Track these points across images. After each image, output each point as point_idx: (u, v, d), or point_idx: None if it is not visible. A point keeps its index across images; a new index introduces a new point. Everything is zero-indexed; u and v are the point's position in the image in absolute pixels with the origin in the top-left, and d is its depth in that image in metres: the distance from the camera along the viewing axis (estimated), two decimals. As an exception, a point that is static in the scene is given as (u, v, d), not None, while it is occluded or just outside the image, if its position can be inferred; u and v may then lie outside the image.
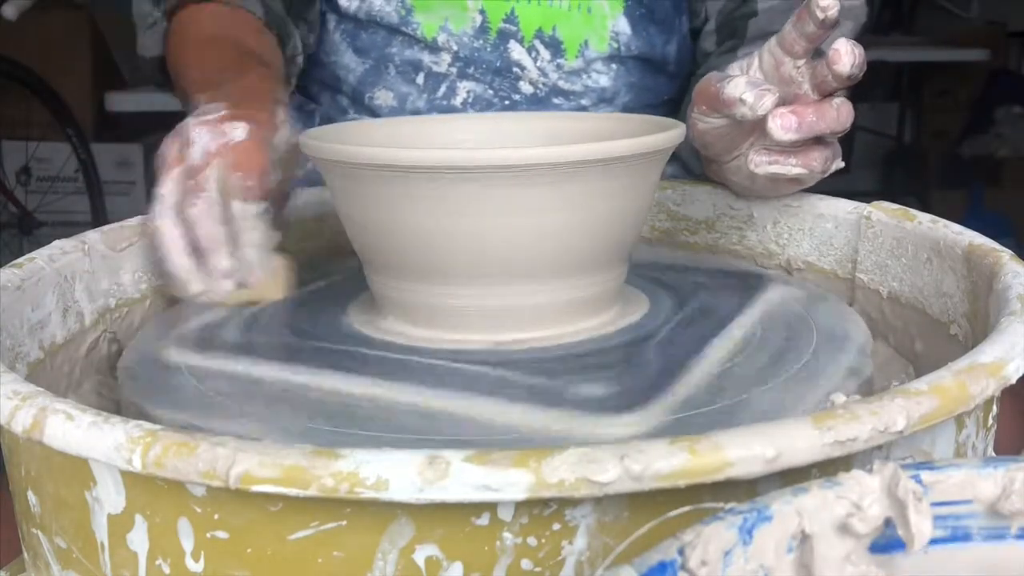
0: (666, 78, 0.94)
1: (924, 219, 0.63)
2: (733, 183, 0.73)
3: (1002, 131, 3.22)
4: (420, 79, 0.91)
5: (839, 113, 0.60)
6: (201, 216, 0.60)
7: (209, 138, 0.62)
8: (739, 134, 0.65)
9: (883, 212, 0.67)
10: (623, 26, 0.89)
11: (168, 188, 0.61)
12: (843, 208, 0.69)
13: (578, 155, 0.52)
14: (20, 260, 0.59)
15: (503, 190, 0.52)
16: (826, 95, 0.60)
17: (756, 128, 0.62)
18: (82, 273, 0.62)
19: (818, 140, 0.61)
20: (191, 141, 0.61)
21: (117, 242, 0.65)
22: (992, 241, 0.58)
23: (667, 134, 0.56)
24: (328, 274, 0.71)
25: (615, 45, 0.89)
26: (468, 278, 0.55)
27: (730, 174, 0.71)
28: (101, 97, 2.81)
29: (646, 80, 0.92)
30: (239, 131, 0.62)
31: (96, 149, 2.81)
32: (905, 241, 0.64)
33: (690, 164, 0.87)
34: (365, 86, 0.92)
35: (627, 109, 0.91)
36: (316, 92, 0.98)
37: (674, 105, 0.98)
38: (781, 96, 0.59)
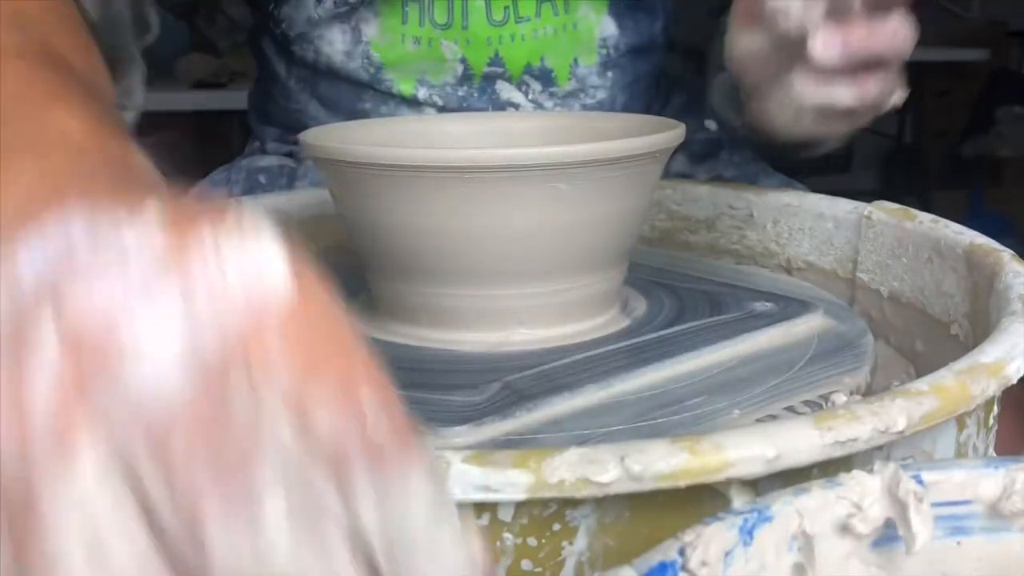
0: (659, 55, 0.91)
1: (925, 219, 0.63)
2: (778, 124, 0.62)
3: (1002, 131, 3.22)
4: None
5: (896, 33, 0.52)
6: None
7: (185, 317, 0.20)
8: (784, 57, 0.56)
9: (883, 212, 0.67)
10: (609, 28, 0.85)
11: None
12: (843, 208, 0.69)
13: (578, 155, 0.52)
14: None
15: (503, 190, 0.52)
16: (881, 10, 0.52)
17: (803, 50, 0.53)
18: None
19: (875, 65, 0.54)
20: (117, 350, 0.21)
21: None
22: (993, 241, 0.58)
23: (667, 134, 0.56)
24: (328, 274, 0.71)
25: (604, 51, 0.85)
26: (467, 278, 0.55)
27: (774, 111, 0.60)
28: (101, 97, 2.82)
29: (640, 69, 0.89)
30: (275, 263, 0.24)
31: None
32: (906, 241, 0.64)
33: (724, 115, 0.77)
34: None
35: (626, 108, 0.89)
36: (280, 133, 0.91)
37: (663, 55, 0.94)
38: (832, 9, 0.51)
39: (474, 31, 0.82)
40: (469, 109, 0.85)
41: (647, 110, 0.90)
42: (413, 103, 0.84)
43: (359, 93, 0.85)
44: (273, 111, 0.92)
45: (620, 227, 0.57)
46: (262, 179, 0.91)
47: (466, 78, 0.84)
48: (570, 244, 0.55)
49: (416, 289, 0.57)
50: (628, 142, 0.54)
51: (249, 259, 0.23)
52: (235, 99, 2.65)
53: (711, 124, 0.95)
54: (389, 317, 0.59)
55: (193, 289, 0.21)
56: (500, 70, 0.84)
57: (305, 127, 0.87)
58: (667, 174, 0.64)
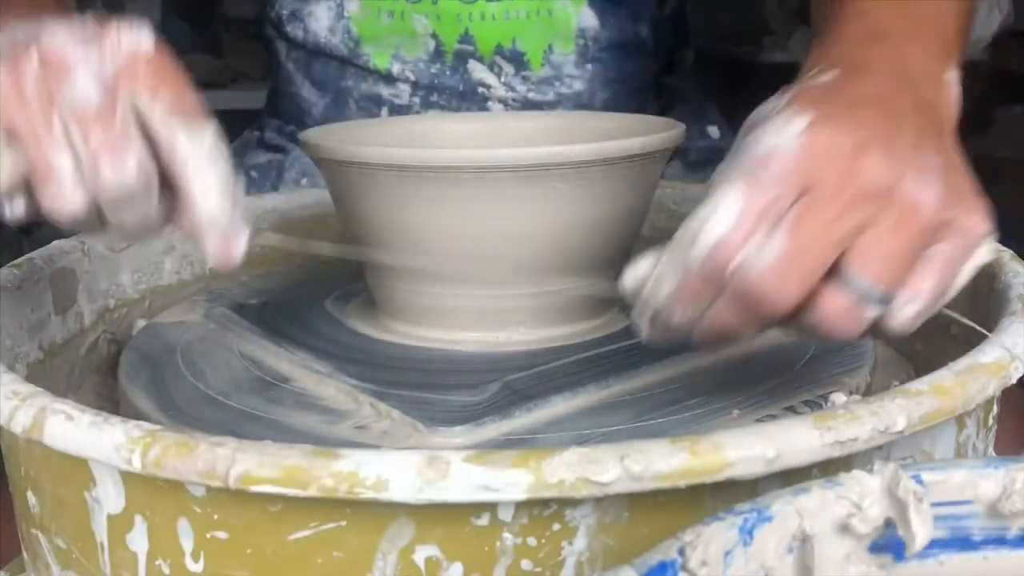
0: (646, 57, 0.90)
1: (924, 219, 0.63)
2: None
3: (1002, 131, 3.21)
4: (384, 113, 0.87)
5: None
6: (138, 186, 0.42)
7: (98, 56, 0.41)
8: None
9: (883, 212, 0.66)
10: (588, 19, 0.85)
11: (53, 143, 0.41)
12: (843, 208, 0.69)
13: (578, 155, 0.52)
14: (20, 260, 0.59)
15: (503, 190, 0.52)
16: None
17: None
18: (81, 273, 0.62)
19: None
20: (67, 66, 0.41)
21: (116, 243, 0.65)
22: (992, 241, 0.58)
23: (667, 134, 0.56)
24: (328, 274, 0.71)
25: (582, 42, 0.85)
26: (469, 279, 0.55)
27: None
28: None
29: (625, 68, 0.88)
30: (144, 36, 0.42)
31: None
32: (905, 241, 0.64)
33: None
34: (328, 121, 0.86)
35: (607, 107, 0.88)
36: (285, 121, 0.94)
37: (657, 87, 0.95)
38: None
39: (443, 6, 0.84)
40: (441, 87, 0.86)
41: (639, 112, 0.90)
42: (388, 79, 0.86)
43: (342, 70, 0.87)
44: (277, 100, 0.95)
45: (620, 227, 0.57)
46: (253, 174, 0.94)
47: (438, 55, 0.85)
48: (570, 244, 0.55)
49: (416, 289, 0.57)
50: (628, 142, 0.54)
51: (134, 38, 0.42)
52: (235, 99, 2.65)
53: (713, 131, 0.95)
54: (389, 317, 0.59)
55: (104, 46, 0.42)
56: (471, 48, 0.85)
57: (300, 109, 0.89)
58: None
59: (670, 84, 1.00)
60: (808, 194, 0.39)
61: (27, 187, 0.42)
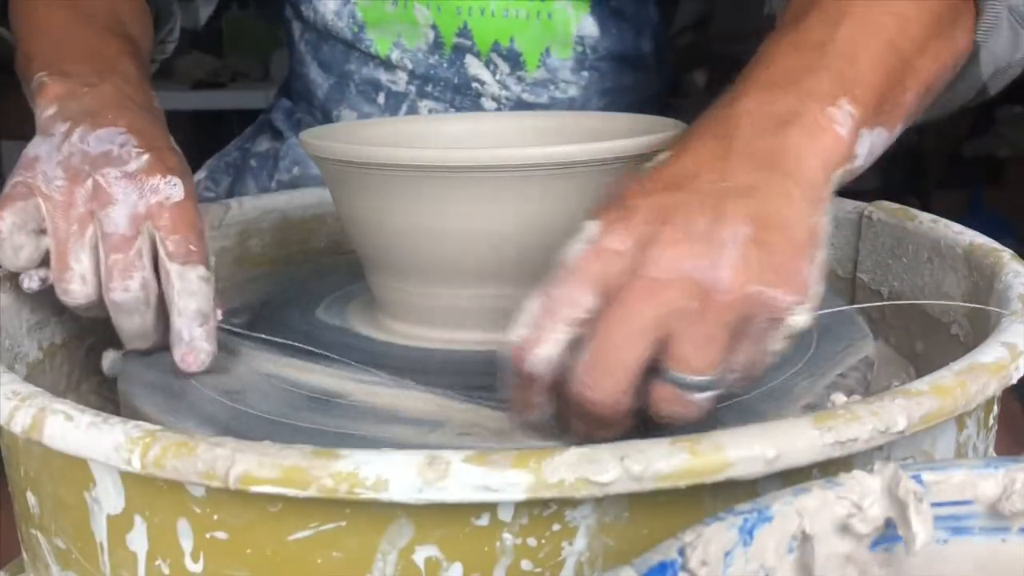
0: (646, 73, 0.90)
1: (925, 218, 0.63)
2: None
3: (1002, 131, 3.21)
4: (380, 99, 0.88)
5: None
6: (137, 304, 0.52)
7: (137, 196, 0.52)
8: None
9: (883, 211, 0.67)
10: (589, 27, 0.85)
11: (82, 260, 0.52)
12: (843, 207, 0.69)
13: (578, 155, 0.52)
14: (20, 260, 0.59)
15: (503, 190, 0.52)
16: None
17: None
18: (82, 273, 0.62)
19: None
20: (112, 199, 0.52)
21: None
22: (993, 241, 0.58)
23: (667, 134, 0.56)
24: (328, 274, 0.71)
25: (580, 49, 0.85)
26: (467, 278, 0.55)
27: None
28: (101, 97, 2.81)
29: (623, 80, 0.88)
30: (176, 189, 0.53)
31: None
32: (905, 241, 0.64)
33: None
34: (331, 103, 0.90)
35: None
36: (295, 103, 0.95)
37: (660, 102, 0.95)
38: None
39: None
40: (437, 79, 0.86)
41: None
42: (388, 65, 0.87)
43: (347, 54, 0.88)
44: (290, 80, 0.95)
45: (620, 227, 0.57)
46: (253, 163, 0.95)
47: (437, 46, 0.86)
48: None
49: (416, 289, 0.57)
50: (628, 142, 0.53)
51: (168, 189, 0.53)
52: (235, 99, 2.65)
53: None
54: (389, 317, 0.59)
55: (144, 188, 0.52)
56: (468, 43, 0.85)
57: (308, 91, 0.90)
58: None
59: (677, 106, 1.00)
60: (609, 299, 0.41)
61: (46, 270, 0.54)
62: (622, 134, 0.55)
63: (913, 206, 0.66)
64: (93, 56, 0.61)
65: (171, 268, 0.52)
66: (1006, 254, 0.55)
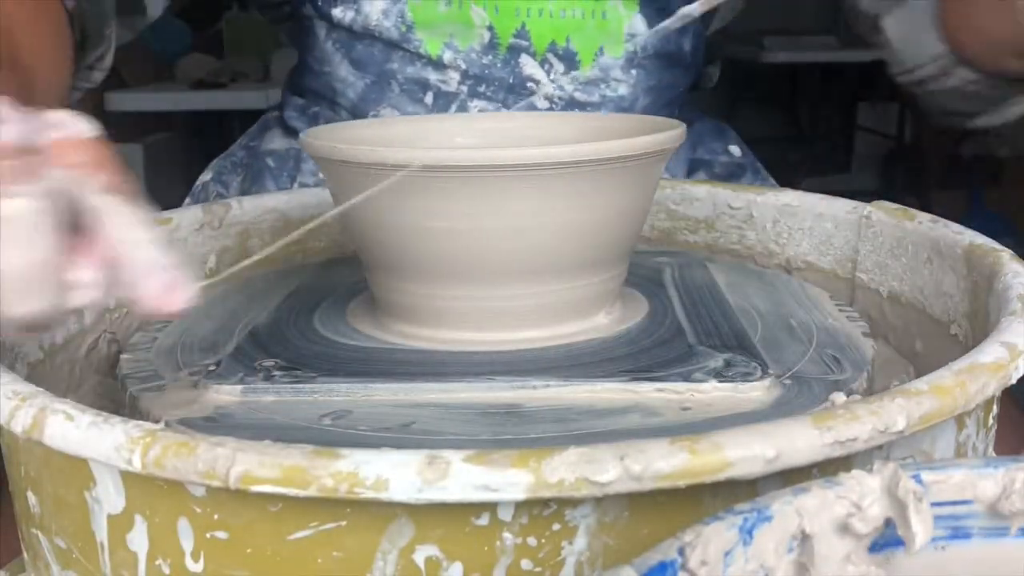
0: (682, 70, 0.92)
1: (924, 219, 0.63)
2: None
3: (1002, 131, 3.21)
4: (428, 98, 0.88)
5: None
6: (32, 218, 0.37)
7: (34, 128, 0.38)
8: None
9: (883, 212, 0.67)
10: (638, 26, 0.87)
11: None
12: (843, 208, 0.69)
13: (577, 155, 0.52)
14: (20, 260, 0.58)
15: (504, 190, 0.52)
16: None
17: None
18: (82, 273, 0.62)
19: None
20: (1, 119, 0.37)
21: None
22: (992, 241, 0.58)
23: (667, 134, 0.56)
24: (328, 273, 0.71)
25: (631, 48, 0.87)
26: (468, 279, 0.55)
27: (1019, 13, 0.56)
28: (101, 96, 2.82)
29: (664, 78, 0.90)
30: (87, 125, 0.39)
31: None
32: (905, 241, 0.64)
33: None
34: (367, 103, 0.89)
35: (645, 113, 0.90)
36: (310, 100, 0.94)
37: (685, 97, 0.96)
38: None
39: (503, 0, 0.84)
40: (491, 79, 0.86)
41: None
42: (439, 65, 0.86)
43: (389, 53, 0.87)
44: (304, 79, 0.94)
45: (621, 227, 0.57)
46: (270, 162, 0.94)
47: (491, 47, 0.86)
48: (571, 244, 0.55)
49: (416, 289, 0.57)
50: (628, 142, 0.54)
51: (71, 121, 0.39)
52: (235, 99, 2.65)
53: (735, 150, 0.96)
54: (389, 317, 0.59)
55: (45, 123, 0.39)
56: (525, 43, 0.85)
57: (333, 90, 0.89)
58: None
59: (692, 99, 1.01)
60: None
61: None
62: (625, 134, 0.55)
63: (913, 206, 0.66)
64: None
65: (108, 202, 0.39)
66: (1006, 254, 0.55)
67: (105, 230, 0.39)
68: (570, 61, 0.86)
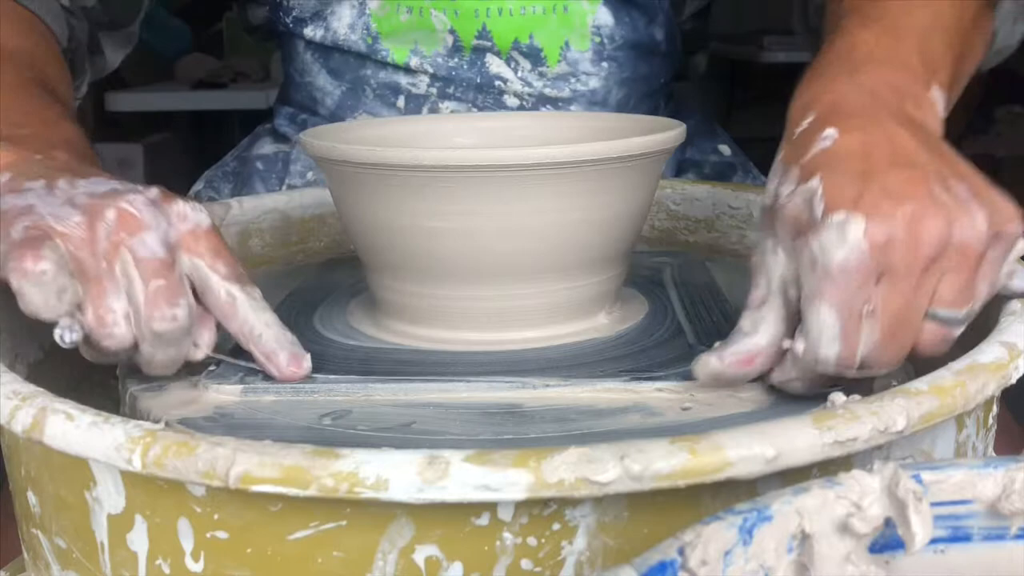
0: (659, 60, 0.91)
1: (924, 219, 0.63)
2: None
3: (1002, 131, 3.21)
4: (400, 102, 0.89)
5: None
6: (181, 333, 0.48)
7: (167, 224, 0.48)
8: None
9: (883, 212, 0.66)
10: (604, 17, 0.86)
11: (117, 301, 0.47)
12: (843, 208, 0.69)
13: (577, 155, 0.52)
14: (20, 260, 0.58)
15: (503, 190, 0.52)
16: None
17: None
18: (82, 273, 0.62)
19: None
20: (143, 224, 0.47)
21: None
22: (992, 241, 0.58)
23: (667, 134, 0.56)
24: (328, 273, 0.71)
25: (597, 39, 0.86)
26: (468, 279, 0.55)
27: None
28: (101, 96, 2.82)
29: (639, 69, 0.90)
30: (203, 215, 0.50)
31: (96, 148, 2.80)
32: (905, 241, 0.64)
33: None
34: (344, 110, 0.90)
35: (622, 107, 0.89)
36: (297, 110, 0.95)
37: (671, 83, 0.96)
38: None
39: (462, 3, 0.85)
40: (459, 80, 0.87)
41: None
42: (407, 70, 0.87)
43: (362, 61, 0.89)
44: (290, 89, 0.96)
45: (621, 227, 0.57)
46: (259, 165, 0.95)
47: (456, 49, 0.86)
48: (571, 244, 0.55)
49: (416, 289, 0.57)
50: (628, 142, 0.54)
51: (195, 215, 0.50)
52: (235, 99, 2.65)
53: (724, 149, 0.96)
54: (389, 317, 0.59)
55: (171, 215, 0.49)
56: (488, 43, 0.86)
57: (313, 99, 0.90)
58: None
59: (679, 91, 1.01)
60: (884, 278, 0.44)
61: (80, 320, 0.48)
62: (625, 134, 0.55)
63: (913, 206, 0.66)
64: (34, 119, 0.59)
65: (233, 289, 0.50)
66: (1006, 254, 0.55)
67: (240, 313, 0.50)
68: (535, 58, 0.86)
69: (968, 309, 0.46)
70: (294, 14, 0.89)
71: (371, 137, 0.64)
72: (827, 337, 0.44)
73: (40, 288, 0.46)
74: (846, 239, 0.43)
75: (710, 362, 0.47)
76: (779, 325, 0.47)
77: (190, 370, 0.54)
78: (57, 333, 0.47)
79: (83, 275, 0.47)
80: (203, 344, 0.51)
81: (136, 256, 0.47)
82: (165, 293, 0.47)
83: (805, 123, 0.49)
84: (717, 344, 0.48)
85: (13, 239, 0.47)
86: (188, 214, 0.49)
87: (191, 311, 0.49)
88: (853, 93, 0.50)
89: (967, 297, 0.45)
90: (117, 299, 0.47)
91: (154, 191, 0.49)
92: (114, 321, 0.47)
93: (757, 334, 0.47)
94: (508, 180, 0.52)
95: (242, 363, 0.52)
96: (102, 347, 0.48)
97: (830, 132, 0.48)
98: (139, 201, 0.48)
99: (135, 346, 0.49)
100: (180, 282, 0.48)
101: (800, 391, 0.47)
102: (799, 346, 0.45)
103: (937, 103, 0.52)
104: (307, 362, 0.51)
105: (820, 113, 0.49)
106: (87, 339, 0.48)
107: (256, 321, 0.50)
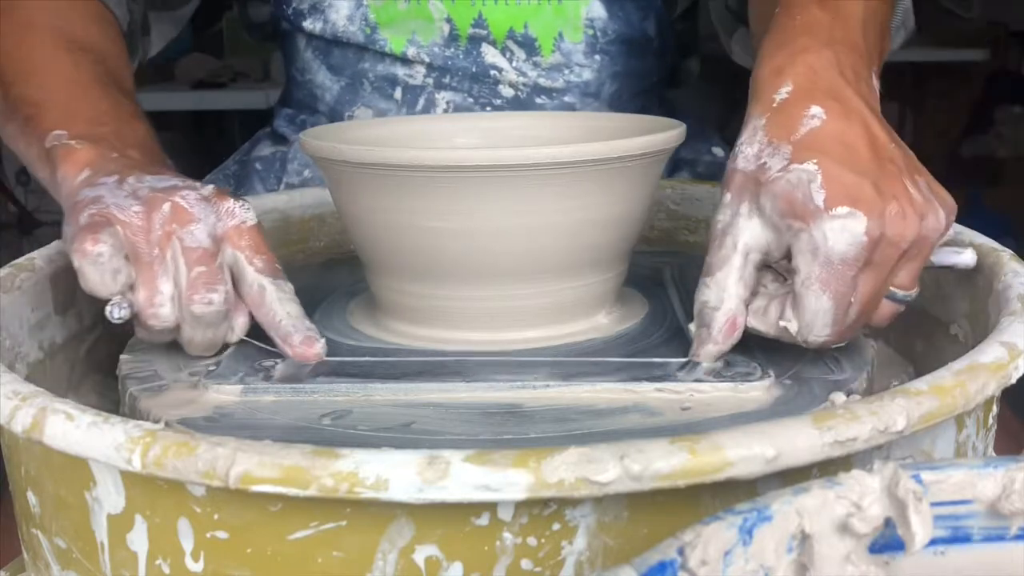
0: (652, 58, 0.92)
1: (924, 219, 0.63)
2: None
3: (1002, 131, 3.22)
4: (397, 94, 0.89)
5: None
6: (217, 317, 0.53)
7: (215, 218, 0.54)
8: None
9: (883, 212, 0.66)
10: (597, 10, 0.87)
11: (164, 281, 0.52)
12: (843, 208, 0.69)
13: (578, 155, 0.52)
14: (20, 260, 0.59)
15: (503, 190, 0.52)
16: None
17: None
18: (82, 273, 0.62)
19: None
20: (193, 218, 0.53)
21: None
22: (992, 241, 0.58)
23: (667, 134, 0.56)
24: (328, 273, 0.71)
25: (591, 32, 0.87)
26: (468, 279, 0.55)
27: None
28: (101, 97, 2.81)
29: (632, 65, 0.90)
30: (250, 213, 0.55)
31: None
32: (905, 241, 0.64)
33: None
34: (343, 105, 0.91)
35: (614, 100, 0.90)
36: (296, 110, 0.96)
37: (664, 86, 0.97)
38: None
39: None
40: (455, 70, 0.87)
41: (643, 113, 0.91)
42: (404, 61, 0.88)
43: (361, 54, 0.89)
44: (290, 90, 0.97)
45: (621, 227, 0.57)
46: (258, 166, 0.96)
47: (452, 39, 0.87)
48: (571, 244, 0.55)
49: (416, 289, 0.57)
50: (629, 142, 0.54)
51: (242, 212, 0.55)
52: (235, 99, 2.65)
53: (718, 151, 0.96)
54: (389, 317, 0.59)
55: (220, 211, 0.54)
56: (484, 32, 0.87)
57: (314, 96, 0.90)
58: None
59: (673, 98, 1.01)
60: (867, 268, 0.49)
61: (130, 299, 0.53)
62: (625, 134, 0.55)
63: (913, 206, 0.66)
64: (110, 117, 0.63)
65: (264, 281, 0.54)
66: (1006, 254, 0.55)
67: (267, 302, 0.54)
68: (530, 47, 0.87)
69: (917, 289, 0.53)
70: (293, 6, 0.90)
71: (371, 137, 0.64)
72: (822, 322, 0.49)
73: (96, 268, 0.51)
74: (851, 234, 0.48)
75: (708, 349, 0.52)
76: (739, 286, 0.51)
77: (191, 370, 0.54)
78: (108, 309, 0.52)
79: (137, 259, 0.52)
80: (237, 328, 0.55)
81: (184, 245, 0.52)
82: (205, 279, 0.52)
83: (784, 91, 0.52)
84: (691, 325, 0.53)
85: (80, 224, 0.53)
86: (236, 211, 0.55)
87: (228, 297, 0.53)
88: (825, 69, 0.53)
89: (916, 279, 0.52)
90: (165, 282, 0.52)
91: (209, 189, 0.55)
92: (161, 302, 0.52)
93: (724, 303, 0.51)
94: (508, 180, 0.52)
95: (266, 347, 0.55)
96: (148, 325, 0.53)
97: (816, 111, 0.51)
98: (192, 197, 0.54)
99: (178, 327, 0.53)
100: (220, 271, 0.53)
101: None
102: (793, 326, 0.50)
103: (876, 89, 0.56)
104: (320, 346, 0.54)
105: (798, 85, 0.52)
106: (136, 317, 0.53)
107: (279, 310, 0.54)
